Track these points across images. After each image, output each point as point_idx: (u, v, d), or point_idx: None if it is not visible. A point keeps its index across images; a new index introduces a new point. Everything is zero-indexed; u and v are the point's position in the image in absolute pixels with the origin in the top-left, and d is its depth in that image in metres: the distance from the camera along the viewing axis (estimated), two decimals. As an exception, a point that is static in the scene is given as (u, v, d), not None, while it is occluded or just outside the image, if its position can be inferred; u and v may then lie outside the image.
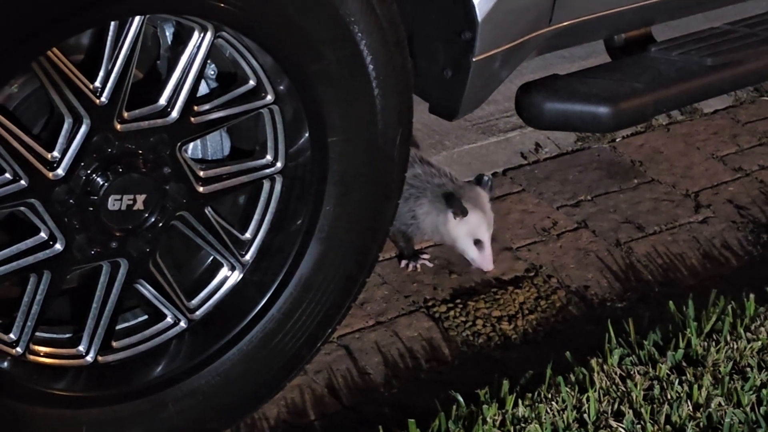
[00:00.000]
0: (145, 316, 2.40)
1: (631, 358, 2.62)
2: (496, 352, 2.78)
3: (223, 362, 2.42)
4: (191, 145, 2.37)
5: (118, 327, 2.35)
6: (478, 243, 2.91)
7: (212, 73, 2.35)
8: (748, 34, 3.04)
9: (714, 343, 2.66)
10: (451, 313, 2.88)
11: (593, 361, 2.58)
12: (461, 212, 2.88)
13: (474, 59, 2.55)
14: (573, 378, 2.55)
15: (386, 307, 2.90)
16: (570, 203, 3.34)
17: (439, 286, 2.98)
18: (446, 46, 2.58)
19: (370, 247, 2.50)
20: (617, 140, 3.64)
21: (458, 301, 2.92)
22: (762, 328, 2.70)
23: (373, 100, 2.35)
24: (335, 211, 2.41)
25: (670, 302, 2.78)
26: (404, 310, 2.89)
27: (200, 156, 2.42)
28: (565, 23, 2.70)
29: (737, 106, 3.86)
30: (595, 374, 2.54)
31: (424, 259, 3.06)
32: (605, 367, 2.58)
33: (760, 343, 2.65)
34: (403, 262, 3.06)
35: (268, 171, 2.38)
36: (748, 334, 2.68)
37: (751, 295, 2.78)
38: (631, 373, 2.57)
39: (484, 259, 2.91)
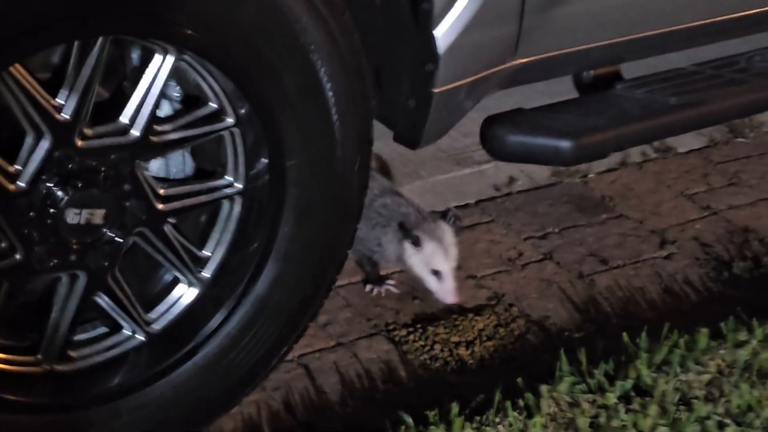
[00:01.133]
0: (104, 328, 2.47)
1: (581, 386, 2.68)
2: (451, 376, 2.84)
3: (178, 375, 2.49)
4: (154, 163, 2.45)
5: (77, 337, 2.43)
6: (436, 273, 2.98)
7: (177, 94, 2.43)
8: (713, 75, 3.12)
9: (664, 375, 2.71)
10: (411, 337, 2.95)
11: (543, 387, 2.64)
12: (413, 242, 2.96)
13: (436, 90, 2.63)
14: (522, 403, 2.61)
15: (348, 329, 2.97)
16: (537, 235, 3.41)
17: (402, 310, 3.05)
18: (410, 76, 2.65)
19: (326, 270, 2.57)
20: (590, 176, 3.71)
21: (419, 325, 2.99)
22: (711, 362, 2.76)
23: (331, 126, 2.42)
24: (292, 233, 2.48)
25: (624, 333, 2.84)
26: (365, 332, 2.96)
27: (163, 174, 2.49)
28: (530, 58, 2.78)
29: (711, 146, 3.93)
30: (543, 400, 2.60)
31: (389, 284, 3.13)
32: (554, 393, 2.64)
33: (708, 375, 2.71)
34: (368, 287, 3.13)
35: (227, 191, 2.45)
36: (698, 367, 2.73)
37: (704, 330, 2.84)
38: (579, 400, 2.63)
39: (443, 291, 2.98)
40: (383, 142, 3.60)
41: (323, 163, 2.45)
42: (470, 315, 3.05)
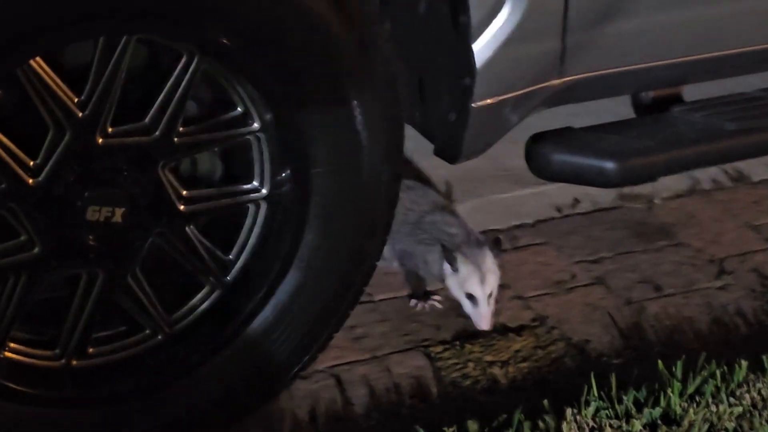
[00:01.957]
0: (124, 327, 2.49)
1: (607, 411, 2.63)
2: (480, 395, 2.80)
3: (195, 377, 2.50)
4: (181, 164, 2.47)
5: (97, 334, 2.46)
6: (471, 298, 2.94)
7: (207, 97, 2.44)
8: (778, 101, 3.04)
9: (695, 405, 2.65)
10: (446, 354, 2.92)
11: (567, 411, 2.60)
12: (451, 265, 2.93)
13: (474, 105, 2.61)
14: (542, 425, 2.57)
15: (383, 342, 2.95)
16: (589, 259, 3.35)
17: (443, 327, 3.02)
18: (449, 89, 2.64)
19: (350, 281, 2.55)
20: (655, 201, 3.64)
21: (456, 342, 2.96)
22: (747, 395, 2.68)
23: (357, 136, 2.42)
24: (315, 242, 2.48)
25: (659, 361, 2.77)
26: (400, 347, 2.94)
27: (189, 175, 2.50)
28: (577, 76, 2.74)
29: (786, 176, 3.84)
30: (565, 423, 2.56)
31: (434, 300, 3.11)
32: (578, 417, 2.59)
33: (741, 408, 2.64)
34: (413, 302, 3.11)
35: (252, 196, 2.46)
36: (731, 399, 2.66)
37: (743, 362, 2.76)
38: (603, 425, 2.58)
39: (476, 316, 2.94)
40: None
41: (349, 173, 2.45)
42: (510, 335, 3.01)
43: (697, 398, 2.68)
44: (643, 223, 3.54)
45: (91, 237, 2.32)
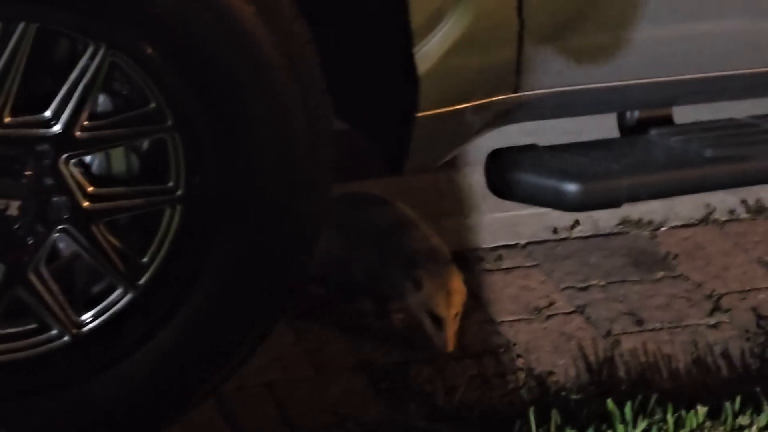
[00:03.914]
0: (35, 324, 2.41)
1: (540, 451, 2.47)
2: (420, 421, 2.66)
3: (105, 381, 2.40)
4: (94, 160, 2.37)
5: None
6: (434, 318, 2.79)
7: (124, 92, 2.35)
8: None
9: (638, 451, 2.47)
10: (394, 375, 2.78)
11: (496, 447, 2.45)
12: (414, 282, 2.79)
13: (418, 115, 2.47)
14: (465, 460, 2.42)
15: (333, 359, 2.83)
16: (578, 286, 3.17)
17: (396, 348, 2.88)
18: (392, 98, 2.51)
19: (272, 293, 2.43)
20: (662, 229, 3.44)
21: (407, 363, 2.81)
22: (693, 446, 2.50)
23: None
24: (230, 247, 2.36)
25: (609, 400, 2.59)
26: (348, 365, 2.81)
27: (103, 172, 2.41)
28: (536, 92, 2.58)
29: (806, 211, 3.60)
30: (488, 460, 2.41)
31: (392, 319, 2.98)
32: (506, 455, 2.44)
33: (683, 460, 2.46)
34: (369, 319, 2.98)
35: (166, 197, 2.35)
36: (675, 449, 2.48)
37: (702, 408, 2.57)
38: (530, 466, 2.42)
39: (438, 337, 2.79)
40: (450, 172, 3.50)
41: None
42: (467, 360, 2.85)
43: (641, 444, 2.50)
44: (645, 251, 3.35)
45: (-17, 228, 2.24)
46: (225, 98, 2.25)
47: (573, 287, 3.17)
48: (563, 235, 3.38)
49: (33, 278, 2.32)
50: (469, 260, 3.24)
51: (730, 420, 2.57)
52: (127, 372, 2.40)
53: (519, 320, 3.03)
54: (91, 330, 2.39)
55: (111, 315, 2.39)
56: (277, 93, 2.27)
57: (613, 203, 2.66)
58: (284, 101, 2.28)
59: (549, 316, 3.05)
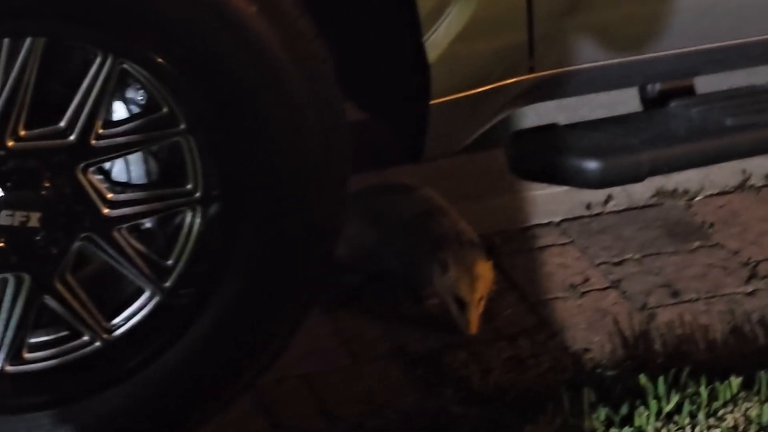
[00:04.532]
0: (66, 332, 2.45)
1: (572, 429, 2.46)
2: (456, 406, 2.67)
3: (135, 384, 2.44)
4: (113, 166, 2.40)
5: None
6: (459, 301, 2.80)
7: (140, 98, 2.37)
8: (793, 95, 2.80)
9: (673, 425, 2.46)
10: (428, 360, 2.79)
11: (527, 428, 2.45)
12: (440, 266, 2.79)
13: (432, 102, 2.47)
14: (496, 443, 2.43)
15: (365, 349, 2.84)
16: (613, 261, 3.16)
17: (432, 334, 2.88)
18: (406, 86, 2.51)
19: (296, 284, 2.45)
20: (697, 198, 3.41)
21: (440, 349, 2.82)
22: (730, 415, 2.48)
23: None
24: (253, 246, 2.38)
25: (641, 375, 2.59)
26: (382, 354, 2.82)
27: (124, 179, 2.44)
28: (551, 71, 2.57)
29: None
30: (521, 442, 2.41)
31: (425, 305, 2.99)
32: (538, 434, 2.44)
33: (719, 430, 2.44)
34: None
35: (186, 199, 2.38)
36: (711, 420, 2.46)
37: (736, 379, 2.56)
38: (562, 445, 2.42)
39: (462, 320, 2.79)
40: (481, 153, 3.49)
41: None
42: (502, 343, 2.85)
43: (675, 417, 2.49)
44: (680, 222, 3.32)
45: (7, 241, 2.27)
46: (235, 99, 2.27)
47: (608, 262, 3.16)
48: (597, 210, 3.36)
49: (60, 287, 2.35)
50: (503, 241, 3.23)
51: (764, 390, 2.55)
52: (157, 374, 2.43)
53: (554, 299, 3.02)
54: (121, 334, 2.42)
55: (140, 319, 2.42)
56: (287, 90, 2.28)
57: (635, 178, 2.66)
58: (294, 97, 2.29)
59: (584, 293, 3.04)
